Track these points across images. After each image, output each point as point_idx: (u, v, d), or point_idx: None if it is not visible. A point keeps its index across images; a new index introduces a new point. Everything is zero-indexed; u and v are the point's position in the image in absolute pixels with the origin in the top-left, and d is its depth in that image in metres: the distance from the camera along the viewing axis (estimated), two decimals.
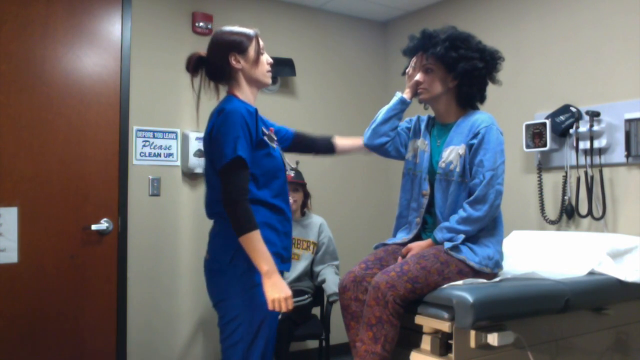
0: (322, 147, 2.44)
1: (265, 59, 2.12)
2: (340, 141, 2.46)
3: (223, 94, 2.12)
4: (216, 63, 2.07)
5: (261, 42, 2.11)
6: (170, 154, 3.46)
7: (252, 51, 2.06)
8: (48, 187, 2.93)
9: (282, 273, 2.11)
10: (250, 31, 2.09)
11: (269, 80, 2.15)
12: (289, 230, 2.11)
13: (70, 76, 3.01)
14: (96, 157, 3.08)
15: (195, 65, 2.08)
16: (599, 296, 2.38)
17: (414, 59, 2.36)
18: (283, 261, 2.07)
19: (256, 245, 1.87)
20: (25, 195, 2.87)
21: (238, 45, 2.04)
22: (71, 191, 2.99)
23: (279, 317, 2.06)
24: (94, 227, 3.03)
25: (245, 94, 2.08)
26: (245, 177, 1.93)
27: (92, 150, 3.06)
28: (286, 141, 2.34)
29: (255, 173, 1.99)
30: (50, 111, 2.95)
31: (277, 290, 1.88)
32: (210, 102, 2.11)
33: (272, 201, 2.03)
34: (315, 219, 3.42)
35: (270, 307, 1.88)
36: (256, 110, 2.03)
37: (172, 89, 3.48)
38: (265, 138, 2.04)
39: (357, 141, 2.46)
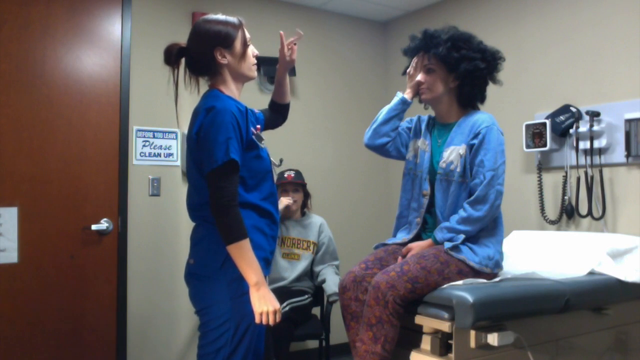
0: (274, 108, 2.27)
1: (251, 50, 1.99)
2: (273, 95, 2.28)
3: (204, 87, 2.00)
4: (199, 57, 1.93)
5: (247, 33, 1.98)
6: (170, 154, 3.46)
7: (238, 44, 1.93)
8: (48, 187, 2.93)
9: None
10: (235, 20, 1.96)
11: (255, 74, 2.04)
12: (277, 234, 2.03)
13: (70, 76, 3.01)
14: (96, 157, 3.08)
15: (176, 57, 1.95)
16: (599, 296, 2.38)
17: (415, 59, 2.36)
18: (268, 265, 1.98)
19: (245, 254, 1.78)
20: (25, 195, 2.87)
21: (224, 38, 1.91)
22: (71, 191, 2.99)
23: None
24: (94, 227, 3.03)
25: (230, 89, 1.96)
26: (236, 182, 1.83)
27: (92, 150, 3.06)
28: (262, 126, 2.18)
29: (244, 176, 1.89)
30: (50, 111, 2.95)
31: (265, 303, 1.78)
32: (191, 96, 2.02)
33: (260, 204, 1.93)
34: (315, 219, 3.42)
35: (257, 320, 1.79)
36: (246, 109, 1.93)
37: (172, 89, 3.45)
38: (254, 138, 1.94)
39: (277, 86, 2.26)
